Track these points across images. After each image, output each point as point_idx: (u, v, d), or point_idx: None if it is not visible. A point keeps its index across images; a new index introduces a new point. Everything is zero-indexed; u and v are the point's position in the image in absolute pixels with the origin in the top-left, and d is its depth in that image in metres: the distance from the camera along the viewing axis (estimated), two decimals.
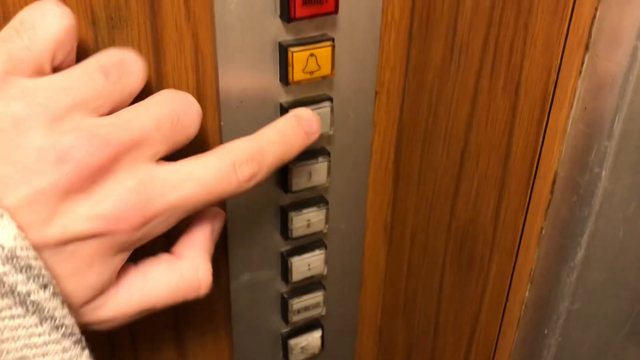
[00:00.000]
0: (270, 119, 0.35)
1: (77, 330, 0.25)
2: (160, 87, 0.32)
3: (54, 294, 0.24)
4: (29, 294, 0.23)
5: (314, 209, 0.39)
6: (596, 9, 0.27)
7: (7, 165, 0.23)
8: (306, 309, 0.42)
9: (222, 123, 0.34)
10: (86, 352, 0.25)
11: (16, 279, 0.22)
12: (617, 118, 0.28)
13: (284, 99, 0.35)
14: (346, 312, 0.46)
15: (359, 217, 0.42)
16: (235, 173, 0.28)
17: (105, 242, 0.25)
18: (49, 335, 0.23)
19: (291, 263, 0.40)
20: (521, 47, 0.30)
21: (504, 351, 0.38)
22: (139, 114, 0.27)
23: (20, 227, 0.23)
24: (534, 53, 0.30)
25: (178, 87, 0.32)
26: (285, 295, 0.42)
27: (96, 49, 0.29)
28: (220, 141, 0.34)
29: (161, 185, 0.26)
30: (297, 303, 0.42)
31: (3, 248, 0.22)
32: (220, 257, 0.39)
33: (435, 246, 0.40)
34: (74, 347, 0.24)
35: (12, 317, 0.23)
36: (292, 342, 0.43)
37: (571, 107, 0.29)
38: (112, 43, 0.30)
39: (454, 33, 0.34)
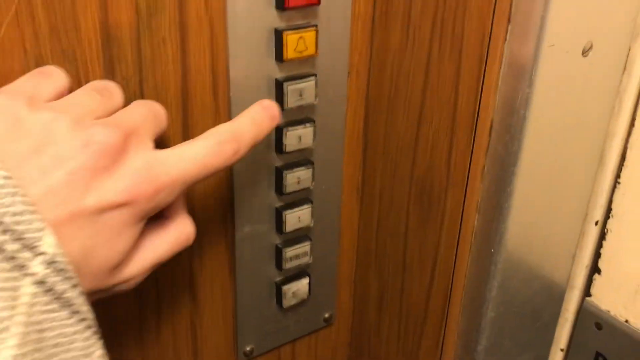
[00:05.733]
0: (268, 90, 0.44)
1: (95, 324, 0.30)
2: (184, 64, 0.40)
3: (81, 293, 0.29)
4: (63, 292, 0.28)
5: (303, 168, 0.47)
6: None
7: (43, 156, 0.30)
8: (297, 257, 0.51)
9: (230, 94, 0.42)
10: (101, 341, 0.30)
11: (55, 279, 0.28)
12: (533, 70, 0.38)
13: (279, 74, 0.44)
14: (328, 262, 0.54)
15: (337, 178, 0.51)
16: (221, 150, 0.36)
17: (129, 211, 0.32)
18: (76, 326, 0.29)
19: (285, 216, 0.48)
20: (461, 22, 0.40)
21: (461, 272, 0.47)
22: (129, 112, 0.35)
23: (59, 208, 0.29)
24: (471, 26, 0.40)
25: (198, 64, 0.41)
26: (280, 245, 0.50)
27: (137, 31, 0.38)
28: (230, 110, 0.43)
29: (163, 164, 0.33)
30: (289, 251, 0.50)
31: (46, 254, 0.28)
32: (227, 212, 0.47)
33: (400, 196, 0.50)
34: (93, 336, 0.30)
35: (52, 310, 0.28)
36: (285, 287, 0.51)
37: (500, 65, 0.39)
38: (149, 27, 0.38)
39: (409, 18, 0.44)
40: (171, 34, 0.39)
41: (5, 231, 0.26)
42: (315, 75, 0.45)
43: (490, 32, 0.39)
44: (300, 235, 0.51)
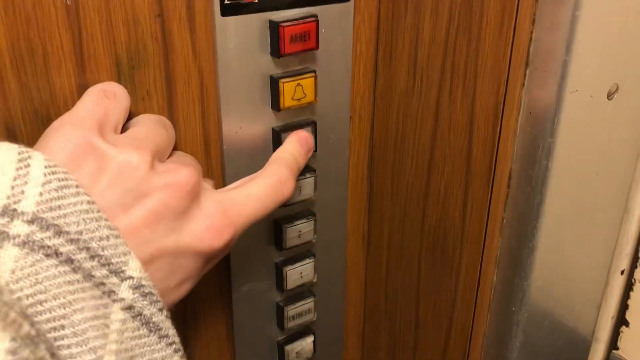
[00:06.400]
0: (265, 141, 0.40)
1: (181, 347, 0.29)
2: (172, 117, 0.37)
3: (167, 317, 0.28)
4: (151, 316, 0.27)
5: (304, 220, 0.44)
6: (532, 32, 0.34)
7: (125, 194, 0.29)
8: (299, 315, 0.47)
9: (224, 147, 0.39)
10: None
11: (142, 304, 0.27)
12: (556, 118, 0.35)
13: (275, 123, 0.40)
14: (333, 318, 0.50)
15: (341, 228, 0.48)
16: (282, 189, 0.35)
17: (203, 256, 0.31)
18: (165, 351, 0.28)
19: (285, 272, 0.44)
20: (474, 67, 0.37)
21: (479, 332, 0.43)
22: (187, 156, 0.36)
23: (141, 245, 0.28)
24: (485, 71, 0.36)
25: (187, 117, 0.37)
26: (281, 303, 0.46)
27: None
28: (223, 162, 0.39)
29: (235, 205, 0.32)
30: (291, 310, 0.46)
31: (132, 278, 0.27)
32: (223, 270, 0.43)
33: (411, 247, 0.46)
34: None
35: (140, 336, 0.27)
36: (288, 347, 0.48)
37: (519, 113, 0.36)
38: (132, 81, 0.34)
39: (415, 61, 0.41)
40: (157, 86, 0.35)
41: (92, 257, 0.26)
42: (314, 122, 0.41)
43: (507, 77, 0.35)
44: (302, 292, 0.47)
